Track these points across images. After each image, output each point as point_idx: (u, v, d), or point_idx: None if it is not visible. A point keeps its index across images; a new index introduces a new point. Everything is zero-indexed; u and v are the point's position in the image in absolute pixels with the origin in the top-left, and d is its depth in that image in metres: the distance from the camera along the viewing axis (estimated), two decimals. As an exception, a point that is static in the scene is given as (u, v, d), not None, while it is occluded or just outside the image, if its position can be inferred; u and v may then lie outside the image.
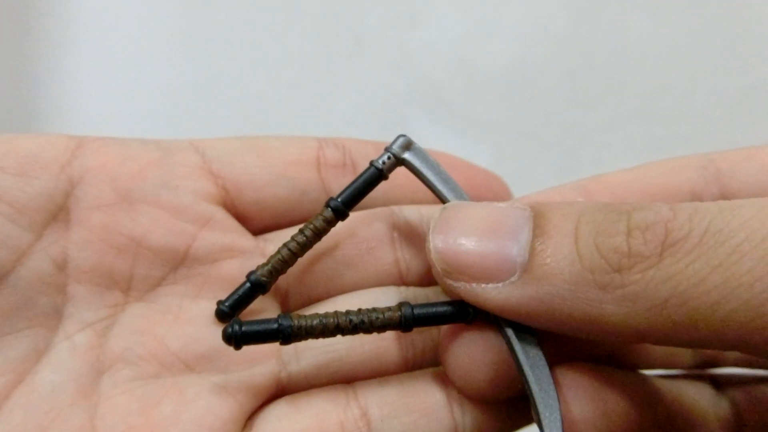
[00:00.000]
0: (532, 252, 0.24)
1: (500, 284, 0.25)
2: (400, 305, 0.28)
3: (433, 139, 0.65)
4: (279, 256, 0.30)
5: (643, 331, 0.24)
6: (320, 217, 0.30)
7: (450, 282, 0.26)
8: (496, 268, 0.25)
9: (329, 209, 0.30)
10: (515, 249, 0.25)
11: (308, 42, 0.68)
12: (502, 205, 0.26)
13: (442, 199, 0.30)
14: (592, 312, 0.24)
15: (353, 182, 0.30)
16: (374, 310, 0.28)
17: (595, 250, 0.24)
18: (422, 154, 0.30)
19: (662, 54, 0.67)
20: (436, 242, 0.26)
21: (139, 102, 0.65)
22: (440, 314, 0.28)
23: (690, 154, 0.33)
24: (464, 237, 0.26)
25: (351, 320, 0.27)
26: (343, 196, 0.30)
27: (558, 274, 0.24)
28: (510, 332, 0.27)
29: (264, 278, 0.30)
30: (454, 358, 0.29)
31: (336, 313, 0.28)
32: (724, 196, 0.31)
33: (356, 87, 0.67)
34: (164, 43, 0.68)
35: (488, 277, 0.25)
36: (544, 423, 0.26)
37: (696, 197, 0.31)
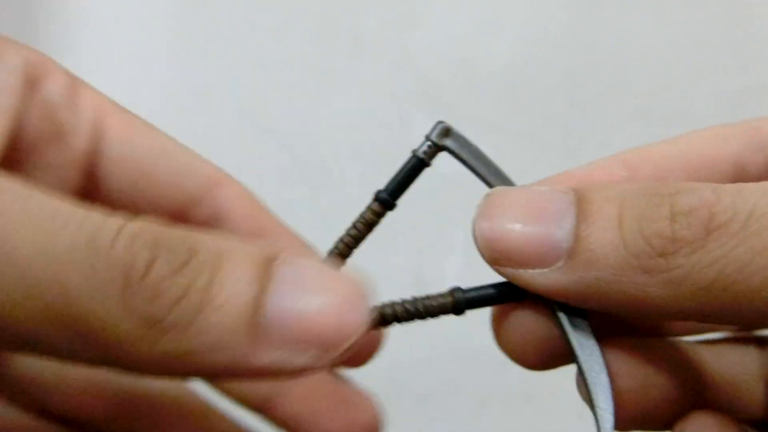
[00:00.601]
0: (576, 237, 0.25)
1: (546, 270, 0.25)
2: (452, 291, 0.29)
3: (433, 139, 0.65)
4: (336, 251, 0.31)
5: (688, 311, 0.24)
6: (370, 210, 0.31)
7: (497, 267, 0.27)
8: (542, 254, 0.25)
9: (377, 202, 0.31)
10: (560, 234, 0.25)
11: (308, 42, 0.68)
12: (544, 188, 0.27)
13: (487, 184, 0.30)
14: (638, 295, 0.24)
15: (397, 173, 0.31)
16: (427, 297, 0.29)
17: (639, 235, 0.24)
18: (462, 140, 0.31)
19: (662, 54, 0.67)
20: (482, 229, 0.26)
21: (139, 102, 0.65)
22: (491, 296, 0.29)
23: (736, 122, 0.33)
24: (509, 223, 0.26)
25: (407, 309, 0.28)
26: (390, 188, 0.31)
27: (603, 260, 0.24)
28: (562, 316, 0.28)
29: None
30: (505, 333, 0.30)
31: (393, 303, 0.28)
32: None
33: (356, 87, 0.67)
34: (164, 43, 0.68)
35: (534, 262, 0.25)
36: (598, 410, 0.27)
37: (739, 168, 0.31)
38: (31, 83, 0.30)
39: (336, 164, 0.65)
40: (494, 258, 0.27)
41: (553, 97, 0.66)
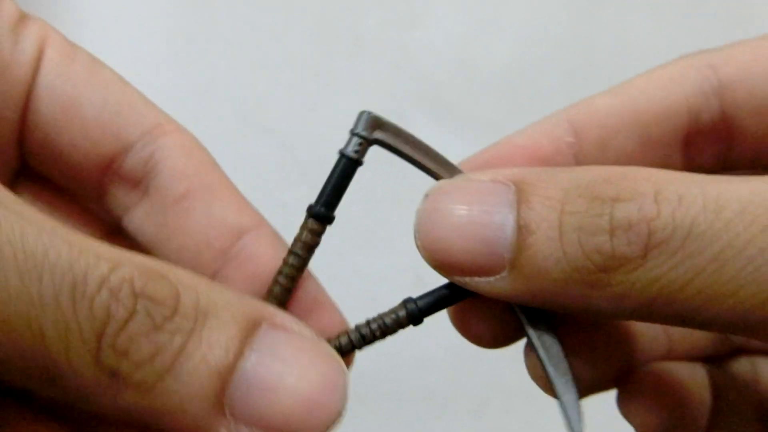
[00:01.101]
0: (517, 248, 0.24)
1: (492, 278, 0.25)
2: (404, 303, 0.28)
3: (433, 139, 0.65)
4: (278, 288, 0.27)
5: (636, 318, 0.25)
6: (306, 231, 0.27)
7: (443, 274, 0.26)
8: (485, 265, 0.25)
9: (312, 219, 0.27)
10: (502, 244, 0.25)
11: (308, 42, 0.68)
12: (484, 181, 0.26)
13: (428, 172, 0.28)
14: (583, 304, 0.24)
15: (328, 180, 0.28)
16: (380, 316, 0.28)
17: (579, 249, 0.24)
18: (394, 128, 0.28)
19: (662, 54, 0.67)
20: (423, 240, 0.26)
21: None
22: (444, 298, 0.28)
23: (686, 56, 0.31)
24: (449, 234, 0.26)
25: (362, 334, 0.27)
26: (323, 199, 0.28)
27: (545, 273, 0.24)
28: (519, 310, 0.28)
29: None
30: (463, 324, 0.30)
31: (347, 331, 0.27)
32: (726, 113, 0.30)
33: (356, 87, 0.67)
34: (164, 43, 0.68)
35: (478, 272, 0.25)
36: (565, 405, 0.27)
37: (693, 117, 0.30)
38: None
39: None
40: (439, 267, 0.26)
41: (553, 97, 0.66)
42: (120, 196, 0.30)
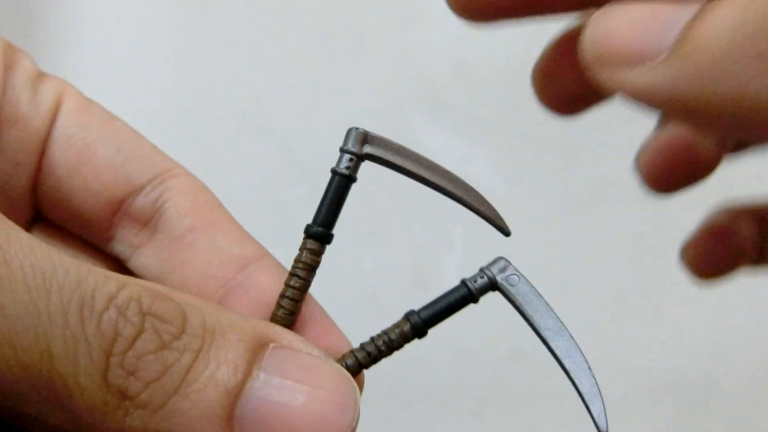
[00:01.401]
0: (690, 25, 0.21)
1: (646, 67, 0.22)
2: (407, 316, 0.28)
3: (433, 139, 0.65)
4: (282, 311, 0.27)
5: None
6: (305, 252, 0.27)
7: (597, 70, 0.23)
8: (648, 46, 0.21)
9: (311, 239, 0.27)
10: (673, 25, 0.21)
11: (308, 42, 0.68)
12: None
13: (424, 182, 0.28)
14: (744, 90, 0.20)
15: (323, 200, 0.28)
16: (385, 332, 0.28)
17: (761, 12, 0.19)
18: (384, 142, 0.28)
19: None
20: (592, 29, 0.23)
21: (139, 102, 0.65)
22: (447, 307, 0.28)
23: None
24: (621, 22, 0.22)
25: (368, 352, 0.27)
26: (320, 218, 0.27)
27: (711, 45, 0.20)
28: (521, 305, 0.28)
29: None
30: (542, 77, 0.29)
31: (352, 351, 0.27)
32: None
33: (356, 87, 0.67)
34: (164, 43, 0.68)
35: (639, 57, 0.22)
36: (588, 401, 0.27)
37: None
38: (6, 70, 0.29)
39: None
40: (596, 57, 0.23)
41: (553, 97, 0.66)
42: (128, 237, 0.30)
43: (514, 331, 0.64)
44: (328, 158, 0.71)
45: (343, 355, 0.27)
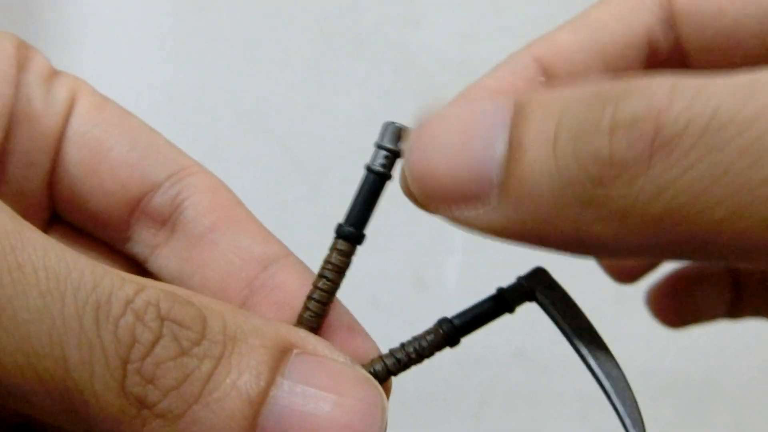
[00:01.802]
0: (507, 169, 0.21)
1: (481, 210, 0.22)
2: (440, 323, 0.26)
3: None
4: (310, 313, 0.26)
5: (640, 251, 0.20)
6: (335, 252, 0.26)
7: (431, 210, 0.23)
8: (472, 191, 0.22)
9: (341, 240, 0.26)
10: (490, 165, 0.21)
11: (309, 42, 0.68)
12: (481, 103, 0.22)
13: None
14: (579, 232, 0.20)
15: (356, 198, 0.26)
16: (416, 339, 0.26)
17: (573, 158, 0.19)
18: None
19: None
20: (410, 166, 0.23)
21: (140, 102, 0.65)
22: (481, 315, 0.27)
23: None
24: (436, 157, 0.22)
25: (398, 359, 0.26)
26: (352, 218, 0.26)
27: (536, 193, 0.20)
28: (560, 321, 0.26)
29: None
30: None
31: (382, 357, 0.26)
32: (681, 43, 0.28)
33: (356, 87, 0.67)
34: (164, 43, 0.68)
35: (466, 200, 0.22)
36: (624, 412, 0.26)
37: (653, 47, 0.28)
38: (20, 68, 0.28)
39: (336, 164, 0.65)
40: (425, 200, 0.23)
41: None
42: (146, 237, 0.30)
43: (516, 333, 0.64)
44: (328, 158, 0.72)
45: (371, 361, 0.26)
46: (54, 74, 0.30)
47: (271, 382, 0.21)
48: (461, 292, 0.63)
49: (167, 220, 0.29)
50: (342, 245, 0.26)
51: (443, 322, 0.26)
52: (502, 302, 0.26)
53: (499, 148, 0.21)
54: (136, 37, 0.68)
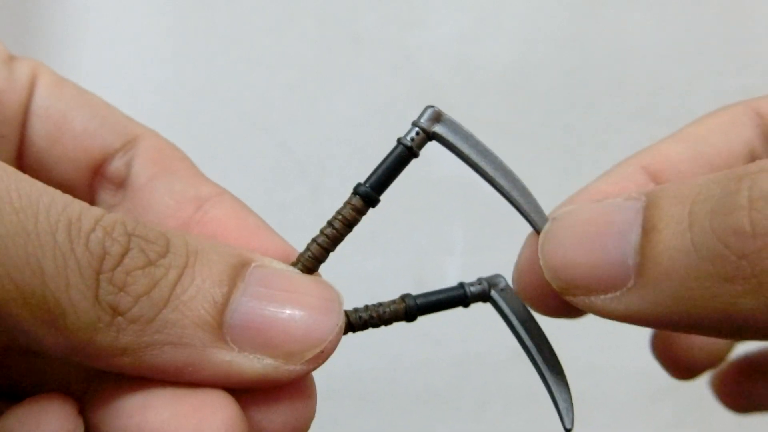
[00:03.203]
0: (642, 252, 0.21)
1: (618, 293, 0.22)
2: (403, 297, 0.28)
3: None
4: (309, 253, 0.27)
5: None
6: (348, 206, 0.27)
7: (569, 297, 0.24)
8: (610, 276, 0.22)
9: (357, 196, 0.27)
10: (626, 252, 0.22)
11: (308, 42, 0.68)
12: (610, 201, 0.24)
13: (482, 175, 0.28)
14: (726, 309, 0.20)
15: (381, 164, 0.27)
16: (380, 304, 0.28)
17: (711, 234, 0.19)
18: (455, 126, 0.28)
19: (662, 54, 0.67)
20: (548, 259, 0.24)
21: (139, 102, 0.65)
22: (441, 302, 0.29)
23: (733, 104, 0.30)
24: (572, 247, 0.23)
25: (360, 316, 0.28)
26: (372, 180, 0.27)
27: (674, 272, 0.20)
28: (512, 319, 0.29)
29: None
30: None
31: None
32: None
33: (356, 87, 0.67)
34: (164, 43, 0.68)
35: (604, 288, 0.23)
36: (558, 401, 0.28)
37: (754, 158, 0.29)
38: None
39: (336, 164, 0.65)
40: (563, 288, 0.24)
41: (553, 97, 0.66)
42: (107, 198, 0.32)
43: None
44: (328, 158, 0.72)
45: (403, 296, 0.28)
46: (12, 58, 0.32)
47: (233, 287, 0.23)
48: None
49: (123, 182, 0.31)
50: (356, 201, 0.27)
51: (407, 296, 0.28)
52: (461, 294, 0.29)
53: (634, 234, 0.22)
54: (136, 37, 0.68)
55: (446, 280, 0.67)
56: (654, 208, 0.22)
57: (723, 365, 0.39)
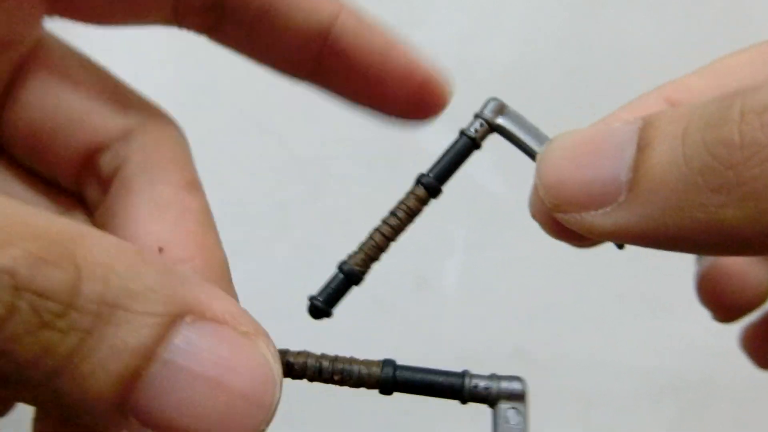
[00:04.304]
0: (636, 167, 0.21)
1: (608, 209, 0.22)
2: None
3: (432, 139, 0.65)
4: (372, 243, 0.27)
5: None
6: (412, 196, 0.27)
7: (561, 216, 0.24)
8: (602, 191, 0.22)
9: (421, 186, 0.27)
10: (619, 169, 0.22)
11: (308, 42, 0.68)
12: (607, 124, 0.24)
13: None
14: (710, 219, 0.20)
15: (444, 155, 0.28)
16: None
17: (702, 147, 0.20)
18: (518, 119, 0.28)
19: (662, 54, 0.67)
20: (542, 175, 0.24)
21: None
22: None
23: (761, 42, 0.30)
24: (569, 165, 0.24)
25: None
26: (435, 170, 0.27)
27: (665, 185, 0.21)
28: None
29: (358, 268, 0.28)
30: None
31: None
32: None
33: (356, 87, 0.67)
34: (164, 43, 0.68)
35: (596, 203, 0.23)
36: None
37: None
38: None
39: (336, 164, 0.64)
40: (556, 205, 0.24)
41: (553, 97, 0.66)
42: (93, 195, 0.29)
43: (516, 332, 0.64)
44: (328, 158, 0.72)
45: (298, 353, 0.25)
46: None
47: (149, 357, 0.19)
48: (461, 293, 0.63)
49: (111, 179, 0.28)
50: (420, 191, 0.27)
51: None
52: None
53: (629, 152, 0.22)
54: (136, 36, 0.68)
55: (446, 279, 0.67)
56: (650, 128, 0.22)
57: (753, 322, 0.40)
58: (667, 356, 0.66)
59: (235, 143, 0.67)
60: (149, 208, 0.27)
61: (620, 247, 0.27)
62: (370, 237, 0.27)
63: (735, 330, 0.65)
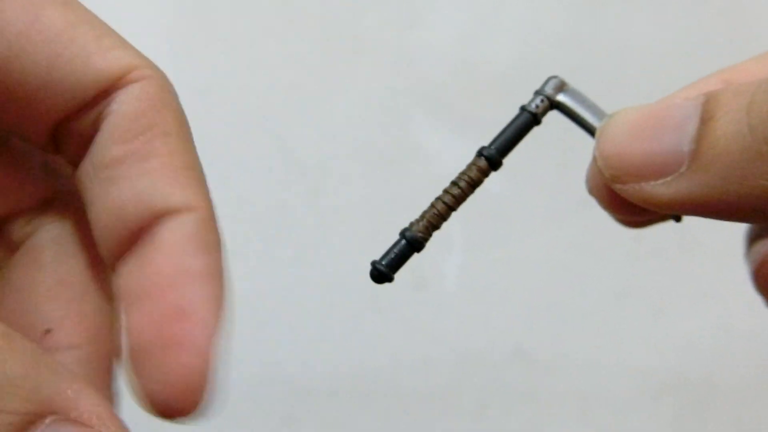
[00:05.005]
0: (699, 138, 0.22)
1: (669, 178, 0.22)
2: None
3: (433, 139, 0.65)
4: (434, 211, 0.28)
5: None
6: (474, 168, 0.28)
7: (620, 187, 0.24)
8: (663, 162, 0.22)
9: (483, 158, 0.28)
10: (681, 141, 0.22)
11: (308, 41, 0.68)
12: (674, 99, 0.24)
13: None
14: None
15: (505, 129, 0.29)
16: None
17: (767, 115, 0.20)
18: (579, 96, 0.29)
19: (663, 54, 0.67)
20: (602, 148, 0.24)
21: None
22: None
23: None
24: (629, 138, 0.24)
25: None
26: (497, 144, 0.28)
27: (728, 154, 0.21)
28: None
29: (420, 234, 0.29)
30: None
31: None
32: None
33: (356, 87, 0.67)
34: (164, 43, 0.68)
35: (657, 173, 0.23)
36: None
37: None
38: None
39: (336, 164, 0.65)
40: (615, 176, 0.24)
41: (553, 97, 0.66)
42: (63, 164, 0.26)
43: (516, 332, 0.64)
44: (328, 158, 0.72)
45: (479, 150, 0.27)
46: None
47: None
48: (461, 293, 0.63)
49: (86, 146, 0.24)
50: (482, 163, 0.28)
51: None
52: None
53: (691, 125, 0.22)
54: (136, 36, 0.68)
55: (446, 279, 0.67)
56: (714, 101, 0.22)
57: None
58: (667, 356, 0.66)
59: (235, 143, 0.67)
60: (49, 284, 0.24)
61: (677, 219, 0.27)
62: (433, 206, 0.28)
63: (735, 330, 0.65)
